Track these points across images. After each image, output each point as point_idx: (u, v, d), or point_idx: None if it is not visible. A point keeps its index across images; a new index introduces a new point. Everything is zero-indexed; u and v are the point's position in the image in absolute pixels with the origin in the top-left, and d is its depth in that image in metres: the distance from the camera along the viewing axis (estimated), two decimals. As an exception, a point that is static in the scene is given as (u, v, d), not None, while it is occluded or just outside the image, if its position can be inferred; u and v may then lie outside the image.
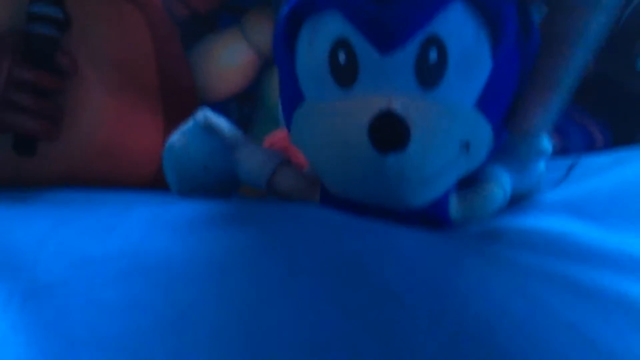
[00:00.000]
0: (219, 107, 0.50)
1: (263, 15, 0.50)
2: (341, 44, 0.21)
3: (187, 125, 0.28)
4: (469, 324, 0.16)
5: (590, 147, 0.48)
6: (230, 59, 0.50)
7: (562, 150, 0.31)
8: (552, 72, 0.22)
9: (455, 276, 0.19)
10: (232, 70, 0.50)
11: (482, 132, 0.23)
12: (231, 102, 0.51)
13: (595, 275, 0.19)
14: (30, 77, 0.38)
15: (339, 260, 0.19)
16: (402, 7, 0.20)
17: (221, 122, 0.27)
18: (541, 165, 0.29)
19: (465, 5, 0.21)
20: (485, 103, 0.22)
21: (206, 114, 0.27)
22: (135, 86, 0.45)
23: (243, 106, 0.51)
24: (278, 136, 0.39)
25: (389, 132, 0.21)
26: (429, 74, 0.21)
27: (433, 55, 0.21)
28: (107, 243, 0.20)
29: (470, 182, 0.26)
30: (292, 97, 0.24)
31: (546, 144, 0.28)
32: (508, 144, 0.27)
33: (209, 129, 0.27)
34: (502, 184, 0.26)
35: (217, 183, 0.28)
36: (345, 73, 0.22)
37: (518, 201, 0.30)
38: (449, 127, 0.22)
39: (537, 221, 0.25)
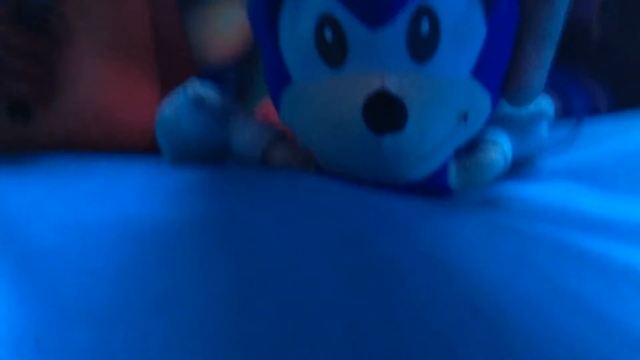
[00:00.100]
0: (217, 70, 0.50)
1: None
2: (327, 20, 0.20)
3: (178, 97, 0.27)
4: (471, 294, 0.16)
5: (593, 109, 0.47)
6: (228, 22, 0.49)
7: (563, 112, 0.30)
8: (540, 24, 0.21)
9: (457, 246, 0.19)
10: (230, 33, 0.49)
11: (480, 101, 0.22)
12: (229, 65, 0.50)
13: (600, 244, 0.19)
14: (22, 40, 0.37)
15: (338, 229, 0.19)
16: None
17: (212, 95, 0.27)
18: (543, 128, 0.29)
19: None
20: (482, 71, 0.21)
21: (196, 88, 0.26)
22: (130, 50, 0.44)
23: (242, 69, 0.50)
24: (267, 106, 0.38)
25: (385, 113, 0.20)
26: (422, 46, 0.20)
27: (425, 26, 0.20)
28: (101, 209, 0.20)
29: (470, 148, 0.25)
30: (278, 78, 0.23)
31: (546, 105, 0.27)
32: (507, 107, 0.26)
33: (199, 103, 0.26)
34: (502, 149, 0.25)
35: (210, 155, 0.28)
36: (333, 51, 0.20)
37: (520, 165, 0.29)
38: (445, 100, 0.21)
39: (541, 189, 0.25)
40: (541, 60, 0.22)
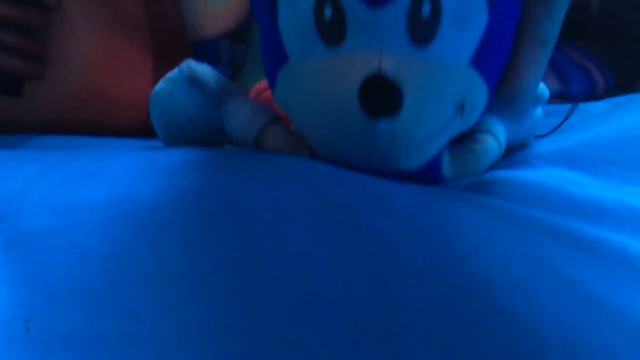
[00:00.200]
0: (210, 45, 0.49)
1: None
2: None
3: (173, 74, 0.27)
4: (466, 279, 0.16)
5: (591, 90, 0.47)
6: (220, -4, 0.48)
7: (561, 94, 0.30)
8: (538, 27, 0.21)
9: (452, 230, 0.18)
10: (224, 7, 0.49)
11: (478, 92, 0.22)
12: (223, 40, 0.49)
13: (595, 230, 0.19)
14: (13, 13, 0.37)
15: (332, 211, 0.19)
16: None
17: (207, 74, 0.26)
18: (537, 111, 0.28)
19: None
20: (481, 60, 0.21)
21: (191, 66, 0.26)
22: (122, 23, 0.43)
23: (235, 44, 0.50)
24: (264, 84, 0.38)
25: (380, 97, 0.20)
26: (422, 29, 0.20)
27: (426, 8, 0.19)
28: (92, 190, 0.20)
29: (464, 138, 0.25)
30: (276, 57, 0.22)
31: (542, 89, 0.27)
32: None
33: (194, 82, 0.26)
34: (496, 136, 0.25)
35: (204, 135, 0.27)
36: (332, 29, 0.20)
37: (515, 150, 0.29)
38: (443, 87, 0.21)
39: (535, 173, 0.25)
40: (536, 64, 0.22)
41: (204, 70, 0.26)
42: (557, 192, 0.22)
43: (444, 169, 0.24)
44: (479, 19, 0.20)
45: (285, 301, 0.15)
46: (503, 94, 0.23)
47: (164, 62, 0.42)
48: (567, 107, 0.35)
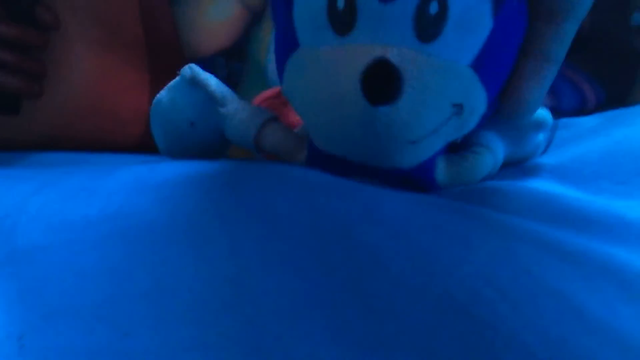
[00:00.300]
0: (206, 62, 0.49)
1: (251, -33, 0.49)
2: None
3: (174, 82, 0.27)
4: (453, 290, 0.16)
5: (582, 105, 0.47)
6: (217, 13, 0.49)
7: (552, 109, 0.30)
8: (545, 45, 0.22)
9: (441, 241, 0.19)
10: (220, 25, 0.49)
11: (477, 97, 0.22)
12: (219, 57, 0.50)
13: (582, 241, 0.19)
14: (11, 32, 0.37)
15: (323, 223, 0.19)
16: None
17: (208, 77, 0.27)
18: (540, 136, 0.29)
19: None
20: (482, 65, 0.22)
21: (193, 68, 0.27)
22: (119, 41, 0.44)
23: (231, 62, 0.50)
24: (265, 95, 0.38)
25: (382, 81, 0.20)
26: (428, 26, 0.21)
27: (434, 7, 0.20)
28: (88, 207, 0.20)
29: (461, 148, 0.26)
30: (287, 44, 0.23)
31: (546, 116, 0.27)
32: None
33: (195, 84, 0.27)
34: (493, 151, 0.25)
35: (204, 141, 0.28)
36: (343, 19, 0.21)
37: (508, 165, 0.29)
38: (442, 85, 0.21)
39: (524, 185, 0.25)
40: (541, 81, 0.22)
41: (204, 73, 0.27)
42: (546, 203, 0.22)
43: (437, 174, 0.25)
44: (484, 25, 0.21)
45: (275, 314, 0.15)
46: (506, 108, 0.23)
47: (160, 79, 0.42)
48: (559, 121, 0.35)
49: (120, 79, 0.44)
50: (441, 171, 0.25)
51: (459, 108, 0.22)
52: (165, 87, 0.28)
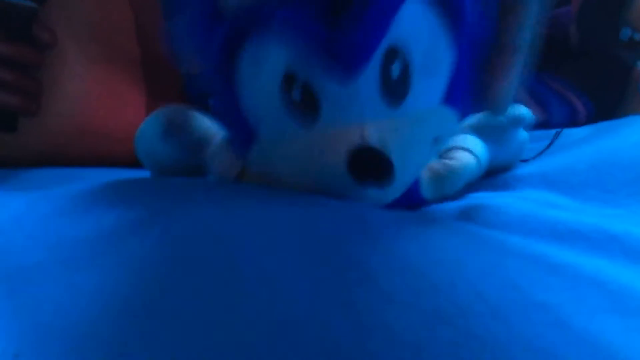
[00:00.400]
0: (202, 79, 0.50)
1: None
2: (292, 80, 0.19)
3: (153, 125, 0.27)
4: (442, 305, 0.16)
5: (572, 118, 0.48)
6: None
7: (543, 123, 0.31)
8: (509, 35, 0.22)
9: (430, 256, 0.19)
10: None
11: (450, 122, 0.22)
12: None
13: (570, 254, 0.19)
14: (8, 51, 0.37)
15: (313, 239, 0.19)
16: (356, 26, 0.18)
17: (185, 123, 0.26)
18: (522, 134, 0.29)
19: (419, 2, 0.19)
20: (452, 94, 0.21)
21: (168, 116, 0.26)
22: (116, 58, 0.44)
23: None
24: None
25: (371, 167, 0.19)
26: (395, 91, 0.20)
27: (396, 70, 0.19)
28: (83, 223, 0.20)
29: (442, 156, 0.26)
30: (242, 135, 0.22)
31: (524, 112, 0.28)
32: (485, 114, 0.27)
33: (171, 133, 0.26)
34: (475, 154, 0.26)
35: (189, 172, 0.28)
36: (304, 110, 0.20)
37: (499, 173, 0.30)
38: (422, 132, 0.21)
39: (513, 198, 0.25)
40: (509, 73, 0.22)
41: (180, 119, 0.26)
42: (535, 216, 0.22)
43: (423, 190, 0.25)
44: (445, 61, 0.20)
45: (266, 329, 0.16)
46: (483, 102, 0.23)
47: (156, 95, 0.43)
48: (550, 132, 0.35)
49: (116, 96, 0.44)
50: (426, 186, 0.25)
51: (437, 140, 0.22)
52: (148, 120, 0.27)
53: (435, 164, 0.26)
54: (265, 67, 0.19)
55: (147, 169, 0.29)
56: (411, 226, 0.21)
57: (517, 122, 0.27)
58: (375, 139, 0.19)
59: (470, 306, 0.17)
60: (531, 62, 0.22)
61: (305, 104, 0.19)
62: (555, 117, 0.48)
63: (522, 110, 0.27)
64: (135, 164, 0.43)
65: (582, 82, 0.48)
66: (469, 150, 0.26)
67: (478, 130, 0.27)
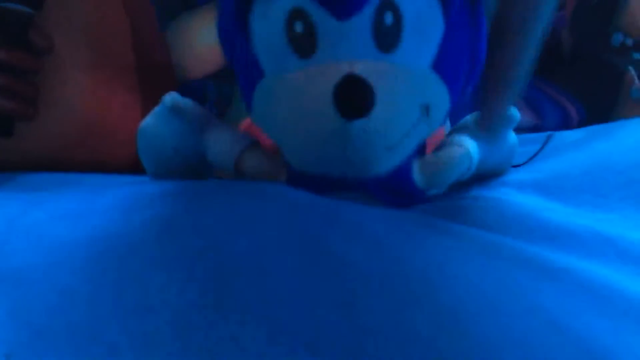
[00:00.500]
0: (197, 86, 0.50)
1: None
2: (297, 14, 0.21)
3: (157, 109, 0.28)
4: (435, 307, 0.17)
5: (565, 124, 0.48)
6: (208, 37, 0.49)
7: (536, 127, 0.31)
8: (505, 66, 0.23)
9: (422, 257, 0.19)
10: (210, 49, 0.49)
11: (440, 95, 0.23)
12: (209, 80, 0.50)
13: (562, 256, 0.20)
14: (5, 56, 0.37)
15: (305, 238, 0.19)
16: None
17: (189, 104, 0.27)
18: (512, 138, 0.29)
19: None
20: (441, 65, 0.23)
21: (174, 97, 0.27)
22: (111, 64, 0.44)
23: (222, 85, 0.51)
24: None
25: (355, 96, 0.21)
26: (387, 37, 0.22)
27: (389, 18, 0.21)
28: (77, 227, 0.20)
29: (436, 149, 0.26)
30: (251, 74, 0.24)
31: (513, 112, 0.28)
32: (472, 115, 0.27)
33: (177, 112, 0.27)
34: (467, 149, 0.26)
35: (188, 165, 0.28)
36: (303, 42, 0.22)
37: (493, 175, 0.30)
38: (409, 90, 0.22)
39: (506, 200, 0.25)
40: (504, 99, 0.23)
41: (185, 100, 0.27)
42: (528, 218, 0.23)
43: (415, 177, 0.25)
44: (437, 28, 0.22)
45: (259, 328, 0.16)
46: (479, 125, 0.24)
47: (152, 102, 0.43)
48: (541, 135, 0.36)
49: (112, 101, 0.44)
50: (418, 173, 0.25)
51: (425, 109, 0.23)
52: (150, 115, 0.28)
53: (427, 155, 0.26)
54: (275, 6, 0.22)
55: (145, 162, 0.29)
56: (403, 226, 0.21)
57: (508, 121, 0.28)
58: (362, 71, 0.21)
59: (462, 307, 0.17)
60: (527, 79, 0.23)
61: (305, 36, 0.22)
62: (548, 121, 0.48)
63: (512, 110, 0.28)
64: (131, 169, 0.44)
65: (575, 87, 0.49)
66: (460, 145, 0.26)
67: (467, 130, 0.27)
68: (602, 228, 0.22)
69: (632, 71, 0.48)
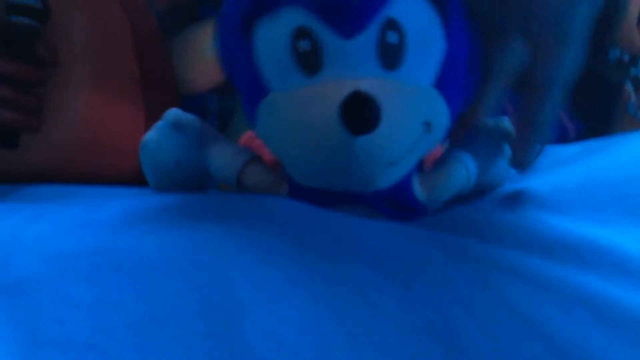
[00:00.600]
0: (200, 99, 0.50)
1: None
2: (302, 32, 0.22)
3: (159, 123, 0.28)
4: (431, 319, 0.17)
5: (562, 137, 0.48)
6: (211, 51, 0.50)
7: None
8: (532, 113, 0.24)
9: (420, 271, 0.19)
10: (214, 62, 0.50)
11: (441, 112, 0.24)
12: (212, 94, 0.51)
13: (557, 268, 0.20)
14: (11, 69, 0.38)
15: (308, 254, 0.20)
16: None
17: (191, 119, 0.28)
18: (508, 150, 0.30)
19: None
20: (442, 82, 0.23)
21: (176, 112, 0.28)
22: (115, 78, 0.45)
23: (224, 98, 0.51)
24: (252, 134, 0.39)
25: (361, 112, 0.21)
26: (391, 55, 0.22)
27: (393, 37, 0.22)
28: (81, 238, 0.21)
29: (435, 165, 0.27)
30: (255, 90, 0.24)
31: (506, 124, 0.29)
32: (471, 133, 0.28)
33: (179, 127, 0.28)
34: (464, 163, 0.27)
35: (191, 179, 0.29)
36: (309, 60, 0.22)
37: (491, 189, 0.30)
38: (412, 107, 0.23)
39: (502, 213, 0.25)
40: (531, 141, 0.26)
41: (187, 116, 0.28)
42: (524, 230, 0.23)
43: (415, 191, 0.26)
44: (438, 47, 0.23)
45: (262, 340, 0.16)
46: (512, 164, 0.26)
47: (156, 115, 0.43)
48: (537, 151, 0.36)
49: (116, 114, 0.45)
50: (417, 187, 0.26)
51: (427, 125, 0.23)
52: (152, 129, 0.29)
53: (427, 170, 0.27)
54: (280, 23, 0.22)
55: (148, 175, 0.29)
56: (403, 241, 0.21)
57: (504, 135, 0.28)
58: (368, 88, 0.21)
59: (458, 320, 0.17)
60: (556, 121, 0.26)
61: (311, 54, 0.22)
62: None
63: (506, 123, 0.28)
64: (134, 180, 0.44)
65: (572, 102, 0.49)
66: (458, 160, 0.27)
67: (465, 146, 0.28)
68: (598, 241, 0.22)
69: (629, 86, 0.48)
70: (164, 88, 0.49)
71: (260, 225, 0.21)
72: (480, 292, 0.18)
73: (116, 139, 0.44)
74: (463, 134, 0.26)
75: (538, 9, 0.24)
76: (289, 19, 0.22)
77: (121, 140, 0.44)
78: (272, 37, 0.23)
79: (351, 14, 0.21)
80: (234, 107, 0.51)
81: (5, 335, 0.16)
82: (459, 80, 0.24)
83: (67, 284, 0.18)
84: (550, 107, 0.25)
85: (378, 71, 0.22)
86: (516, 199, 0.28)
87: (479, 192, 0.29)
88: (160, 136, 0.28)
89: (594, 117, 0.49)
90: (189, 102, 0.50)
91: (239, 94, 0.26)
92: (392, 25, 0.22)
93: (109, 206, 0.24)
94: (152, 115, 0.46)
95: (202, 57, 0.50)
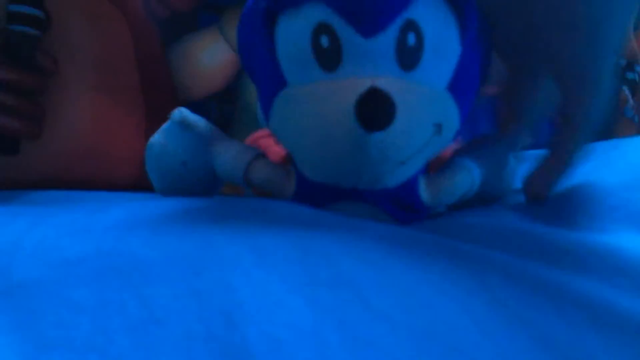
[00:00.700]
0: (199, 106, 0.51)
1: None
2: (323, 28, 0.22)
3: (165, 126, 0.29)
4: (432, 324, 0.17)
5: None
6: (209, 59, 0.50)
7: (532, 145, 0.31)
8: (562, 149, 0.26)
9: (419, 274, 0.19)
10: (212, 70, 0.50)
11: (452, 116, 0.24)
12: (211, 101, 0.51)
13: (555, 272, 0.20)
14: (11, 76, 0.38)
15: (310, 257, 0.20)
16: None
17: (197, 119, 0.28)
18: (511, 160, 0.30)
19: None
20: (455, 87, 0.24)
21: (182, 112, 0.28)
22: (115, 86, 0.45)
23: (223, 105, 0.51)
24: (257, 134, 0.39)
25: (377, 109, 0.22)
26: (409, 56, 0.22)
27: (412, 39, 0.22)
28: (83, 243, 0.21)
29: (441, 169, 0.27)
30: (273, 83, 0.24)
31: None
32: (479, 141, 0.28)
33: (185, 126, 0.28)
34: (470, 170, 0.27)
35: (197, 179, 0.29)
36: (329, 56, 0.22)
37: (493, 196, 0.30)
38: (426, 108, 0.23)
39: (500, 217, 0.26)
40: (560, 175, 0.27)
41: (193, 115, 0.28)
42: (522, 235, 0.23)
43: (421, 192, 0.26)
44: (454, 51, 0.23)
45: (262, 343, 0.16)
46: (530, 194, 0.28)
47: (155, 122, 0.44)
48: (535, 152, 0.36)
49: (116, 121, 0.45)
50: (423, 188, 0.26)
51: (438, 127, 0.24)
52: (158, 131, 0.29)
53: (433, 174, 0.27)
54: (302, 18, 0.23)
55: (153, 177, 0.29)
56: (403, 244, 0.21)
57: (510, 145, 0.29)
58: (384, 86, 0.22)
59: (457, 322, 0.17)
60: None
61: (331, 50, 0.22)
62: (543, 139, 0.48)
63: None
64: (135, 187, 0.44)
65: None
66: (464, 167, 0.27)
67: (471, 153, 0.28)
68: (596, 246, 0.22)
69: (625, 90, 0.49)
70: (164, 96, 0.49)
71: (260, 229, 0.21)
72: (479, 294, 0.18)
73: (116, 146, 0.45)
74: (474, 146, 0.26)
75: (563, 52, 0.25)
76: (311, 15, 0.22)
77: (121, 147, 0.45)
78: (293, 32, 0.23)
79: (373, 14, 0.22)
80: (232, 114, 0.52)
81: (7, 338, 0.16)
82: (471, 85, 0.25)
83: (69, 288, 0.18)
84: (580, 145, 0.26)
85: (395, 71, 0.22)
86: (514, 204, 0.28)
87: (481, 198, 0.29)
88: (166, 137, 0.28)
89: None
90: (189, 110, 0.50)
91: (256, 87, 0.26)
92: (411, 26, 0.22)
93: (111, 210, 0.24)
94: (152, 123, 0.46)
95: (201, 65, 0.51)
